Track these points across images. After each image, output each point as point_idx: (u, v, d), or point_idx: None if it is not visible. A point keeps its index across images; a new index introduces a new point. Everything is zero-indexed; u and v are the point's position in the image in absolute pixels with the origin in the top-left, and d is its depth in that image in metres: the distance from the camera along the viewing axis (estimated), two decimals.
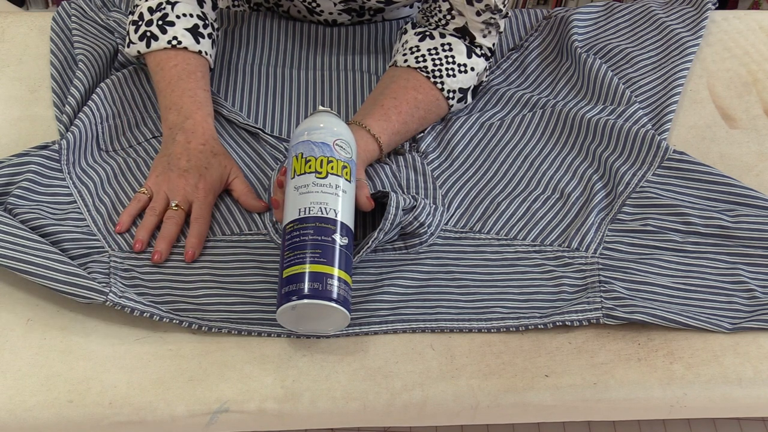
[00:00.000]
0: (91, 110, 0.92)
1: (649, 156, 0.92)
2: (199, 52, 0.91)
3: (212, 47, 0.93)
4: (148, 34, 0.90)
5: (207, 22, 0.93)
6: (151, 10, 0.91)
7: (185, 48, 0.90)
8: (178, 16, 0.90)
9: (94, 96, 0.94)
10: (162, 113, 0.89)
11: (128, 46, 0.93)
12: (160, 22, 0.90)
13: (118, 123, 0.94)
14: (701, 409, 0.77)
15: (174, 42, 0.89)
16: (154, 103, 0.96)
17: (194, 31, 0.91)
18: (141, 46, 0.90)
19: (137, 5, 0.92)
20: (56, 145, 0.87)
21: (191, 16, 0.91)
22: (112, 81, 0.97)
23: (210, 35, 0.93)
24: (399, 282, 0.81)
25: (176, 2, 0.91)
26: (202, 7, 0.93)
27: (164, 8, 0.90)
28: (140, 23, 0.91)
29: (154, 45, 0.90)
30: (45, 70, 1.01)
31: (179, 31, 0.90)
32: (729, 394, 0.76)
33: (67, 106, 0.93)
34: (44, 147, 0.88)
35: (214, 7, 0.96)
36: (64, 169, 0.87)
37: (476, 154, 0.94)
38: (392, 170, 0.90)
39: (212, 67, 0.94)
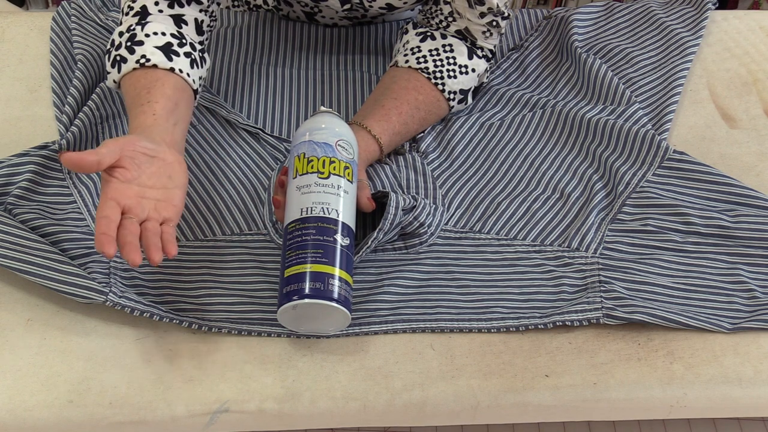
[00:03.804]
0: (91, 110, 0.92)
1: (649, 156, 0.92)
2: (171, 69, 0.80)
3: (192, 67, 0.82)
4: (118, 58, 0.81)
5: (185, 41, 0.83)
6: (121, 34, 0.82)
7: (155, 65, 0.79)
8: (147, 35, 0.81)
9: (94, 96, 0.94)
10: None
11: (106, 79, 0.84)
12: (128, 44, 0.80)
13: (118, 123, 0.94)
14: (701, 409, 0.77)
15: (143, 60, 0.79)
16: None
17: (166, 49, 0.80)
18: (114, 74, 0.81)
19: (112, 35, 0.86)
20: (56, 145, 0.87)
21: (164, 34, 0.81)
22: None
23: (188, 54, 0.82)
24: (399, 282, 0.81)
25: (147, 22, 0.82)
26: (180, 27, 0.84)
27: (133, 29, 0.81)
28: (111, 49, 0.82)
29: (123, 68, 0.80)
30: (45, 70, 1.01)
31: (148, 49, 0.80)
32: (729, 394, 0.76)
33: (66, 106, 0.93)
34: (44, 147, 0.88)
35: (199, 30, 0.85)
36: (63, 169, 0.87)
37: (476, 154, 0.94)
38: (392, 170, 0.90)
39: (195, 87, 0.83)
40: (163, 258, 0.67)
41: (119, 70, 0.81)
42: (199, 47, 0.85)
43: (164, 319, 0.76)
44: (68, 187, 0.86)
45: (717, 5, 1.12)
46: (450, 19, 0.92)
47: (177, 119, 0.77)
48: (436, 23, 0.94)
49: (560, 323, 0.78)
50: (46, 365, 0.74)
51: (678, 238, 0.86)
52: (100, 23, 1.04)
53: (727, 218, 0.87)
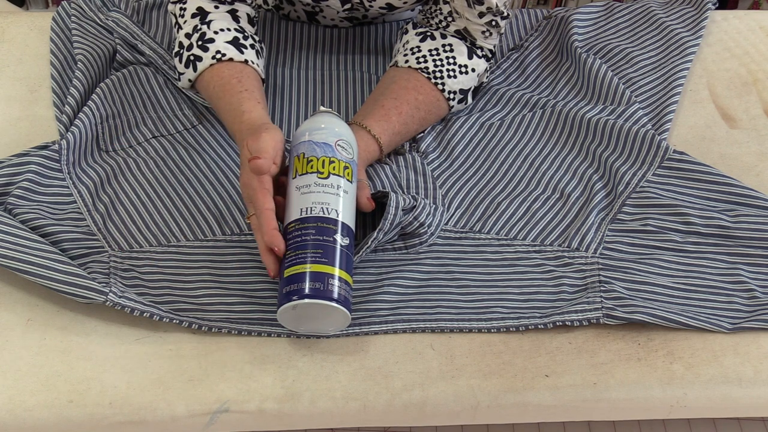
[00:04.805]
0: (91, 110, 0.92)
1: (649, 156, 0.92)
2: (245, 61, 0.87)
3: (258, 58, 0.90)
4: (192, 57, 0.87)
5: (246, 34, 0.90)
6: (188, 36, 0.88)
7: (231, 59, 0.87)
8: (216, 32, 0.88)
9: (94, 96, 0.94)
10: (225, 123, 0.85)
11: (179, 79, 0.90)
12: (199, 43, 0.87)
13: (118, 123, 0.94)
14: (701, 409, 0.77)
15: (218, 56, 0.86)
16: (154, 103, 0.96)
17: (235, 43, 0.88)
18: (189, 73, 0.88)
19: (174, 37, 0.91)
20: (56, 145, 0.87)
21: (229, 30, 0.88)
22: (111, 81, 0.97)
23: (252, 46, 0.89)
24: (399, 282, 0.81)
25: (211, 20, 0.88)
26: (238, 22, 0.90)
27: (200, 28, 0.88)
28: (182, 51, 0.89)
29: (200, 66, 0.87)
30: (45, 70, 1.01)
31: (221, 44, 0.87)
32: (729, 394, 0.76)
33: (67, 106, 0.93)
34: (44, 147, 0.88)
35: (251, 23, 0.93)
36: (64, 169, 0.87)
37: (476, 154, 0.94)
38: (392, 170, 0.90)
39: (263, 77, 0.91)
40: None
41: (195, 69, 0.87)
42: (257, 38, 0.92)
43: (164, 319, 0.76)
44: (68, 187, 0.86)
45: (717, 5, 1.12)
46: (449, 18, 0.92)
47: (266, 106, 0.85)
48: (436, 23, 0.94)
49: (560, 323, 0.78)
50: (46, 365, 0.74)
51: (678, 238, 0.86)
52: (100, 23, 1.04)
53: (727, 218, 0.87)
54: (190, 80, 0.89)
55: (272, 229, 0.71)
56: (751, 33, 1.13)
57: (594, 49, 1.06)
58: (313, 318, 0.73)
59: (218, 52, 0.87)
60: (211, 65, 0.87)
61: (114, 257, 0.81)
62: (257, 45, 0.91)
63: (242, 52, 0.88)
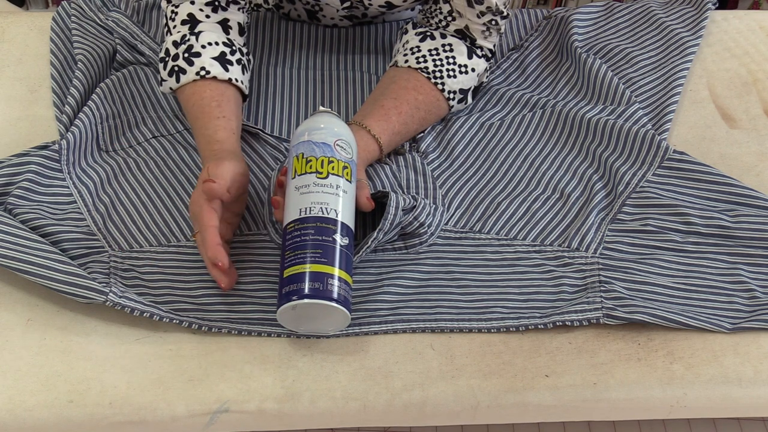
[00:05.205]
0: (91, 110, 0.92)
1: (649, 156, 0.92)
2: (229, 80, 0.87)
3: (243, 73, 0.89)
4: (176, 69, 0.87)
5: (234, 48, 0.89)
6: (176, 44, 0.88)
7: (214, 77, 0.86)
8: (203, 46, 0.87)
9: (94, 96, 0.94)
10: (197, 144, 0.85)
11: (161, 84, 0.90)
12: (186, 55, 0.87)
13: (118, 123, 0.94)
14: (701, 409, 0.77)
15: (202, 72, 0.86)
16: (154, 103, 0.96)
17: (221, 59, 0.87)
18: (171, 83, 0.88)
19: (163, 41, 0.91)
20: (56, 145, 0.87)
21: (217, 44, 0.88)
22: (111, 81, 0.97)
23: (239, 61, 0.89)
24: (399, 282, 0.81)
25: (200, 32, 0.88)
26: (227, 33, 0.90)
27: (188, 40, 0.87)
28: (167, 59, 0.88)
29: (183, 79, 0.86)
30: (45, 70, 1.01)
31: (206, 60, 0.86)
32: (729, 394, 0.76)
33: (67, 106, 0.93)
34: (44, 147, 0.88)
35: (241, 32, 0.92)
36: (64, 169, 0.87)
37: (476, 154, 0.94)
38: (392, 170, 0.90)
39: (246, 93, 0.90)
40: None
41: (178, 80, 0.87)
42: (245, 50, 0.92)
43: (164, 319, 0.76)
44: (68, 187, 0.86)
45: (717, 5, 1.12)
46: (449, 18, 0.92)
47: (239, 134, 0.86)
48: (436, 23, 0.94)
49: (560, 323, 0.78)
50: (46, 365, 0.74)
51: (678, 238, 0.86)
52: (100, 23, 1.04)
53: (727, 218, 0.87)
54: (171, 88, 0.89)
55: (216, 244, 0.73)
56: (751, 33, 1.13)
57: (594, 49, 1.06)
58: (312, 318, 0.73)
59: (203, 68, 0.86)
60: (194, 81, 0.86)
61: (114, 257, 0.81)
62: (244, 59, 0.90)
63: (227, 69, 0.87)
